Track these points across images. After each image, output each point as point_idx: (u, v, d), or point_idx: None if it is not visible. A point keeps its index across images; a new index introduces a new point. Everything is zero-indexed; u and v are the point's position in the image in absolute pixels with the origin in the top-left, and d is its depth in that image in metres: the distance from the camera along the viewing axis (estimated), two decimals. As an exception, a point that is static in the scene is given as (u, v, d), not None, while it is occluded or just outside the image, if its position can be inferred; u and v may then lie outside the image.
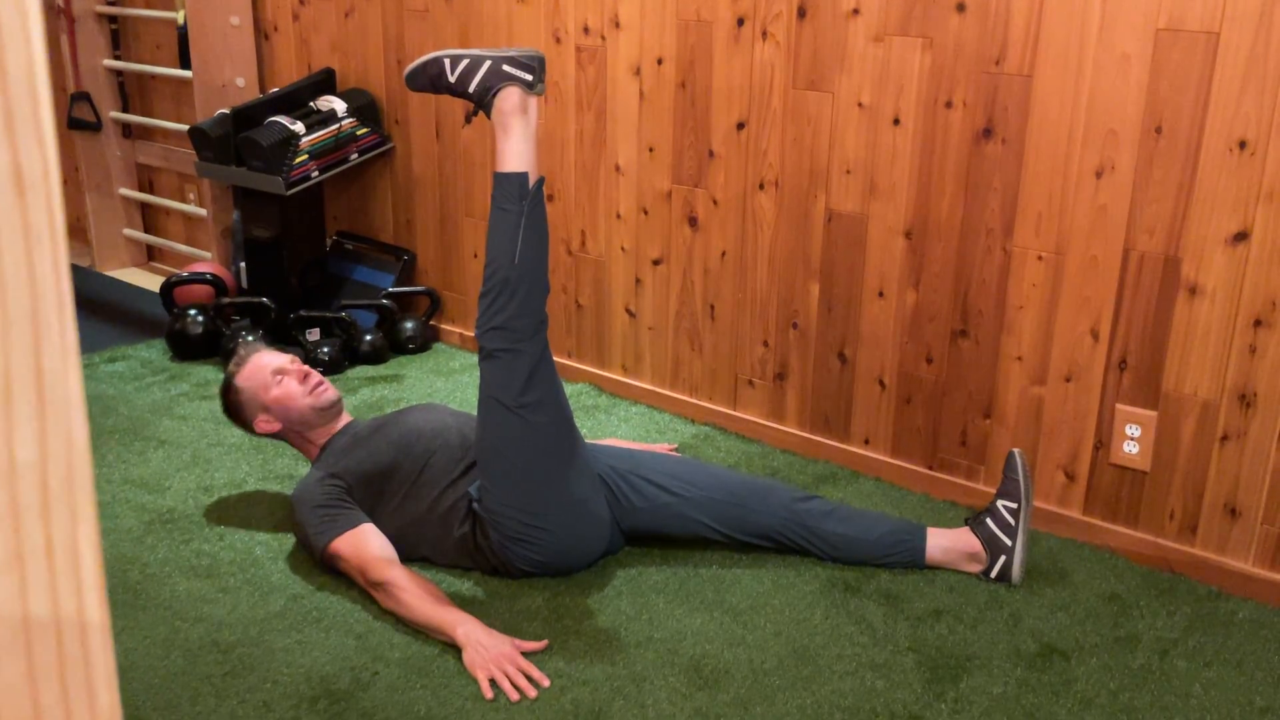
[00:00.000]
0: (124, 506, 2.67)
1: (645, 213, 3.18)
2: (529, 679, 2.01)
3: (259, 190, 3.68)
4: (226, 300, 3.70)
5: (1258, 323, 2.25)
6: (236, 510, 2.65)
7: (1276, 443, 2.28)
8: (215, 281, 3.83)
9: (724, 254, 3.04)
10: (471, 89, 2.32)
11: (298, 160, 3.62)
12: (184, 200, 4.57)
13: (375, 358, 3.63)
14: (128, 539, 2.51)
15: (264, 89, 4.13)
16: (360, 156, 3.78)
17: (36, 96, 0.40)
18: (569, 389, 3.37)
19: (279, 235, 3.73)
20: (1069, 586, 2.35)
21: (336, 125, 3.70)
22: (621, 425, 3.16)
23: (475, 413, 2.70)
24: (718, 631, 2.18)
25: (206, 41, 3.93)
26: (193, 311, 3.68)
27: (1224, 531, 2.37)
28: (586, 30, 3.17)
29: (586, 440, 2.48)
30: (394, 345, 3.72)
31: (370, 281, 3.92)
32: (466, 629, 2.09)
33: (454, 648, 2.10)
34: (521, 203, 2.25)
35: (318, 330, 3.68)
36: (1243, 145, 2.19)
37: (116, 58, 4.55)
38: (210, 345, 3.65)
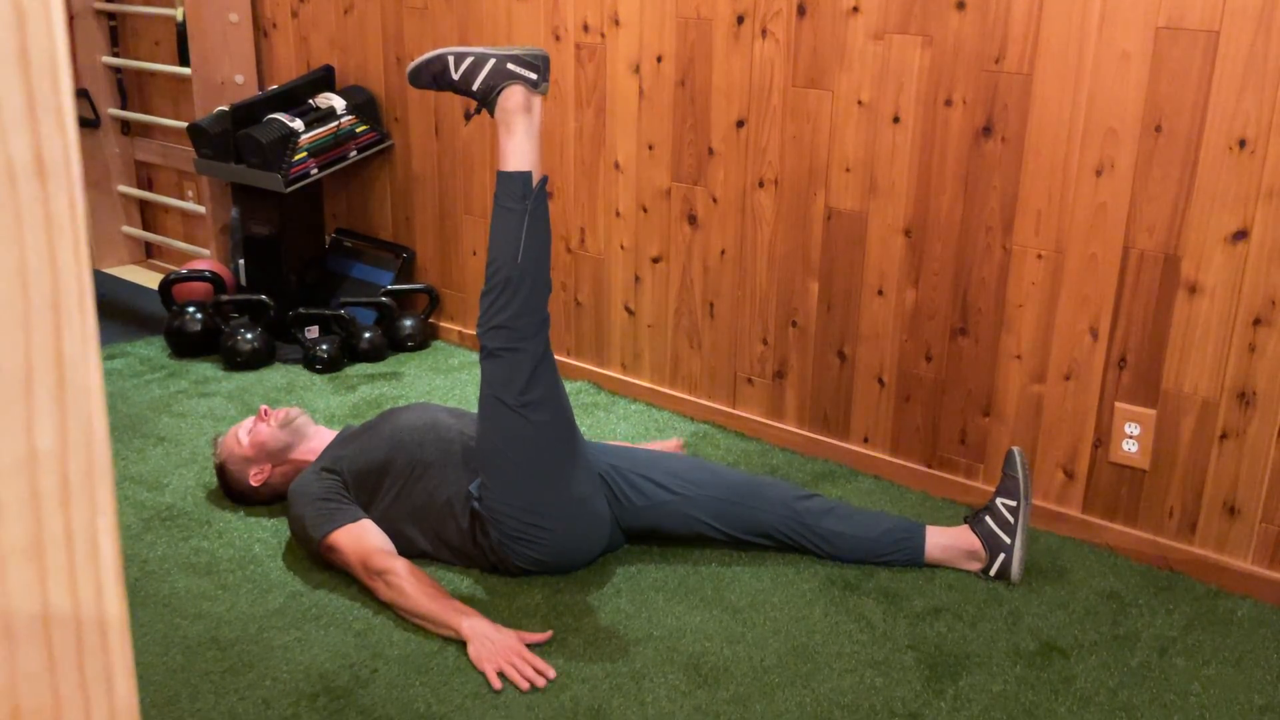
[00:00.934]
0: (123, 503, 2.67)
1: (644, 210, 3.18)
2: (536, 671, 2.02)
3: (258, 187, 3.68)
4: (225, 298, 3.69)
5: (1257, 321, 2.25)
6: (235, 507, 2.64)
7: (1276, 441, 2.28)
8: (214, 279, 3.83)
9: (723, 252, 3.04)
10: (475, 87, 2.31)
11: (296, 157, 3.61)
12: (182, 197, 4.56)
13: (374, 355, 3.63)
14: (127, 536, 2.51)
15: (263, 86, 4.13)
16: (359, 154, 3.78)
17: (59, 85, 0.40)
18: (568, 387, 3.37)
19: (278, 232, 3.72)
20: (1068, 584, 2.36)
21: (335, 122, 3.70)
22: (620, 423, 3.16)
23: (469, 409, 2.71)
24: (717, 629, 2.18)
25: (205, 38, 3.92)
26: (191, 309, 3.68)
27: (1223, 530, 2.38)
28: (586, 28, 3.17)
29: (588, 439, 2.48)
30: (393, 343, 3.72)
31: (369, 279, 3.92)
32: (472, 622, 2.09)
33: (454, 643, 2.10)
34: (525, 202, 2.25)
35: (316, 328, 3.68)
36: (1242, 144, 2.20)
37: (115, 54, 4.55)
38: (209, 343, 3.65)
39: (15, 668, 0.45)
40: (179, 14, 4.07)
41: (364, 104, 3.78)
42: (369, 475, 2.39)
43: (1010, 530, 2.32)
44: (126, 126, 4.65)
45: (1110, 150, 2.36)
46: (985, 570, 2.36)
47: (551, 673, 2.02)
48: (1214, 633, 2.19)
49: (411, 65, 2.37)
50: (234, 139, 3.67)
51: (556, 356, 3.45)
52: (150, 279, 4.55)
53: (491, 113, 2.31)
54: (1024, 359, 2.57)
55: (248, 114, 3.68)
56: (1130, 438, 2.45)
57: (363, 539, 2.28)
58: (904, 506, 2.69)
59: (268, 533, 2.53)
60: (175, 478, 2.79)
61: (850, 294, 2.83)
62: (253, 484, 2.57)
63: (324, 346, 3.54)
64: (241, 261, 3.85)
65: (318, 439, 2.59)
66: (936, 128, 2.59)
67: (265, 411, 2.59)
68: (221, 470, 2.61)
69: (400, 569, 2.20)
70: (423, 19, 3.57)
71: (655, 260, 3.20)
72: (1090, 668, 2.07)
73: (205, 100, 3.96)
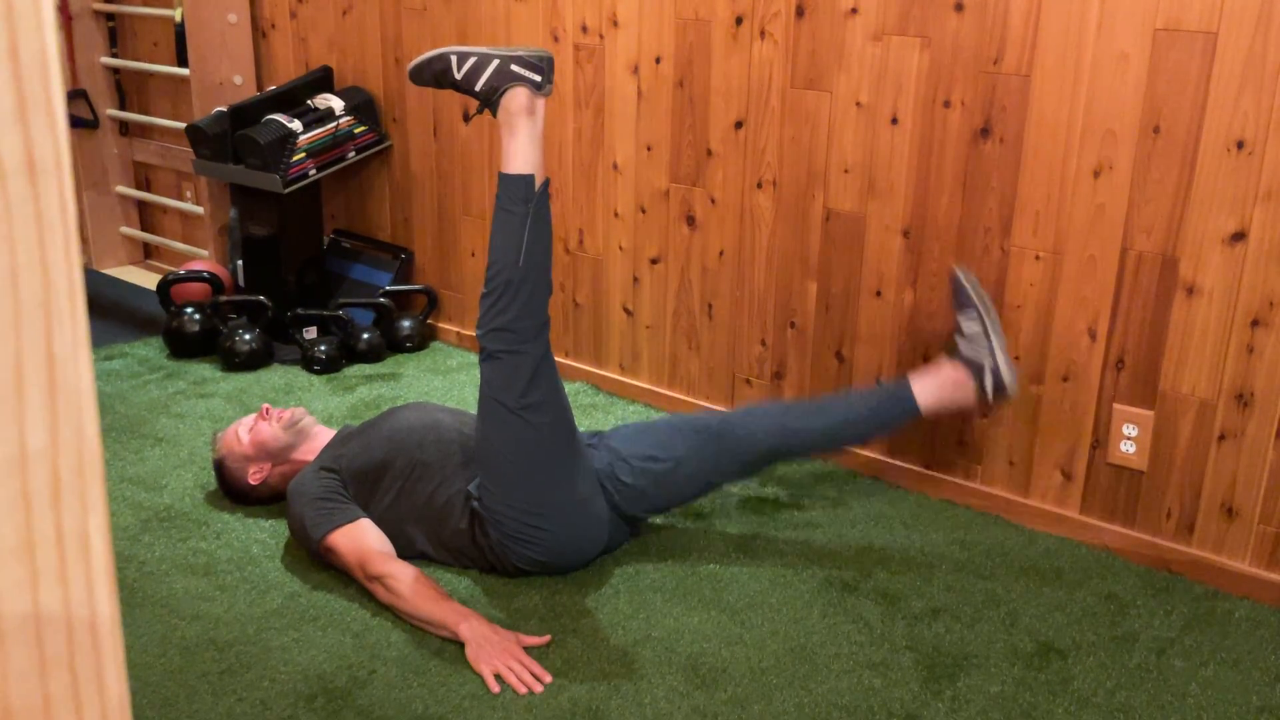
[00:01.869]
0: (121, 504, 2.67)
1: (643, 211, 3.18)
2: (533, 676, 2.01)
3: (256, 188, 3.68)
4: (224, 298, 3.70)
5: (1255, 322, 2.25)
6: (234, 508, 2.64)
7: (1274, 442, 2.28)
8: (212, 279, 3.83)
9: (722, 253, 3.04)
10: (478, 88, 2.30)
11: (295, 158, 3.61)
12: (181, 198, 4.56)
13: (373, 356, 3.63)
14: (124, 537, 2.50)
15: (261, 87, 4.13)
16: (358, 154, 3.78)
17: (49, 85, 0.40)
18: (566, 388, 3.37)
19: (276, 233, 3.72)
20: (1066, 586, 2.36)
21: (334, 123, 3.70)
22: (618, 424, 3.16)
23: (469, 409, 2.71)
24: (715, 630, 2.18)
25: (204, 39, 3.92)
26: (190, 309, 3.68)
27: (1221, 531, 2.38)
28: (585, 29, 3.17)
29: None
30: (391, 344, 3.72)
31: (368, 280, 3.92)
32: (470, 624, 2.09)
33: (452, 645, 2.10)
34: (527, 204, 2.24)
35: (315, 328, 3.68)
36: (1240, 145, 2.20)
37: (113, 55, 4.55)
38: (207, 343, 3.65)
39: (6, 667, 0.45)
40: (178, 15, 4.07)
41: (362, 105, 3.78)
42: (368, 475, 2.39)
43: (982, 340, 2.29)
44: (125, 127, 4.65)
45: (1108, 151, 2.36)
46: (982, 395, 2.33)
47: (548, 677, 2.01)
48: (1212, 634, 2.19)
49: (413, 63, 2.36)
50: (232, 140, 3.67)
51: (555, 357, 3.44)
52: (148, 280, 4.55)
53: (494, 114, 2.31)
54: (1022, 360, 2.57)
55: (246, 115, 3.68)
56: (1128, 439, 2.45)
57: (361, 541, 2.27)
58: (902, 507, 2.69)
59: (266, 534, 2.53)
60: (173, 478, 2.79)
61: (849, 295, 2.83)
62: (251, 482, 2.57)
63: (322, 347, 3.54)
64: (240, 262, 3.86)
65: (319, 440, 2.59)
66: (935, 129, 2.59)
67: (267, 410, 2.58)
68: (219, 466, 2.60)
69: (398, 571, 2.19)
70: (421, 20, 3.57)
71: (654, 261, 3.20)
72: (1088, 669, 2.07)
73: (204, 101, 3.96)
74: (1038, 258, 2.50)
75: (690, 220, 3.08)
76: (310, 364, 3.54)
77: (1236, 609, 2.28)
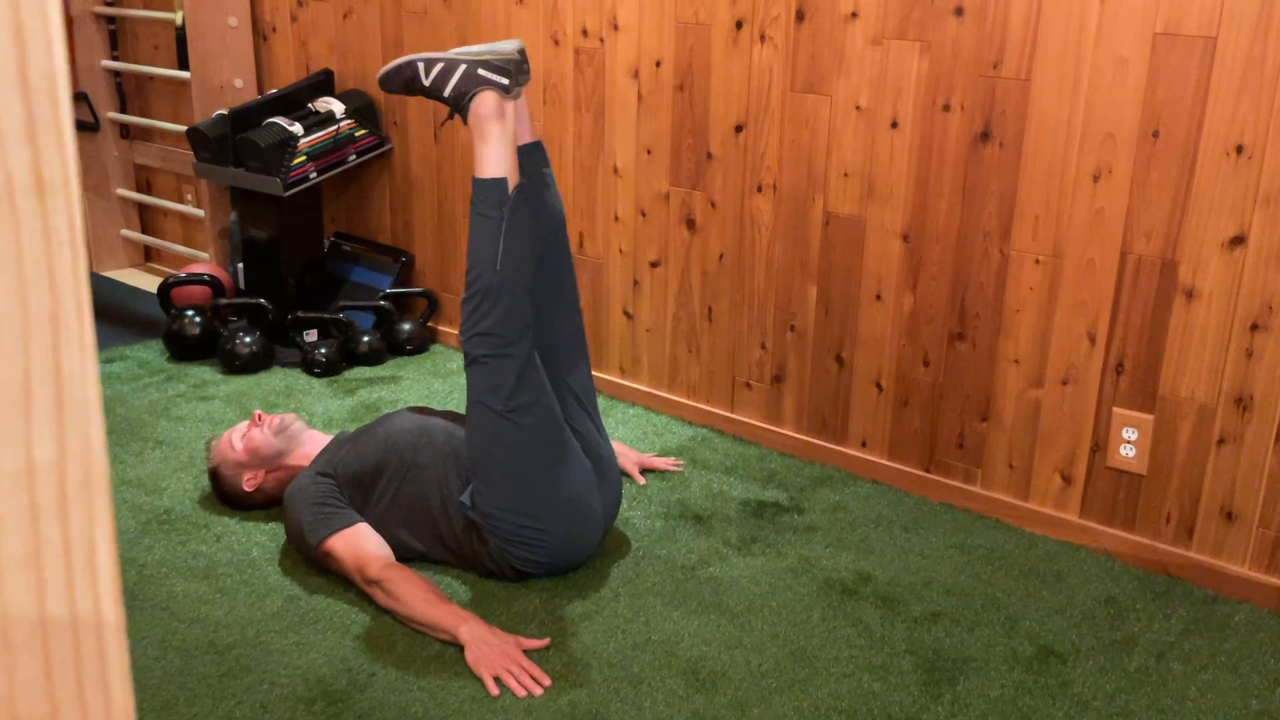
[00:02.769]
0: (121, 507, 2.67)
1: (643, 215, 3.19)
2: (533, 679, 2.02)
3: (257, 191, 3.68)
4: (224, 301, 3.70)
5: (1254, 326, 2.26)
6: (233, 512, 2.65)
7: (1273, 446, 2.29)
8: (213, 282, 3.83)
9: (722, 256, 3.04)
10: (447, 93, 2.28)
11: (296, 161, 3.62)
12: (182, 201, 4.56)
13: (373, 359, 3.63)
14: (124, 540, 2.51)
15: (262, 90, 4.13)
16: (358, 158, 3.78)
17: (57, 101, 0.41)
18: (566, 391, 3.37)
19: (277, 236, 3.73)
20: (1065, 589, 2.36)
21: (335, 126, 3.71)
22: (619, 427, 3.16)
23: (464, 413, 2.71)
24: (715, 633, 2.18)
25: (205, 42, 3.93)
26: (190, 312, 3.68)
27: (1220, 535, 2.38)
28: (585, 32, 3.18)
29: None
30: (391, 347, 3.72)
31: (368, 283, 3.92)
32: (470, 627, 2.09)
33: (452, 648, 2.11)
34: (501, 209, 2.22)
35: (315, 331, 3.68)
36: (1240, 149, 2.20)
37: (114, 58, 4.55)
38: (208, 346, 3.65)
39: (13, 675, 0.46)
40: (178, 18, 4.08)
41: (363, 108, 3.78)
42: (362, 478, 2.39)
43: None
44: (126, 130, 4.65)
45: (1108, 156, 2.36)
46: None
47: (547, 680, 2.02)
48: (1211, 638, 2.20)
49: (382, 71, 2.33)
50: (233, 143, 3.67)
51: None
52: (149, 282, 4.55)
53: (465, 119, 2.30)
54: (1022, 364, 2.57)
55: (247, 118, 3.68)
56: (1128, 442, 2.46)
57: (359, 545, 2.28)
58: (902, 510, 2.69)
59: (265, 536, 2.54)
60: (173, 481, 2.80)
61: (848, 299, 2.83)
62: (245, 489, 2.57)
63: (322, 350, 3.55)
64: (240, 265, 3.86)
65: (311, 444, 2.59)
66: (935, 133, 2.59)
67: (259, 416, 2.59)
68: (215, 475, 2.61)
69: (397, 575, 2.20)
70: (422, 23, 3.57)
71: (654, 265, 3.21)
72: (1088, 672, 2.08)
73: (204, 104, 3.96)
74: (1037, 261, 2.51)
75: (690, 224, 3.09)
76: (310, 367, 3.54)
77: (1236, 613, 2.29)
